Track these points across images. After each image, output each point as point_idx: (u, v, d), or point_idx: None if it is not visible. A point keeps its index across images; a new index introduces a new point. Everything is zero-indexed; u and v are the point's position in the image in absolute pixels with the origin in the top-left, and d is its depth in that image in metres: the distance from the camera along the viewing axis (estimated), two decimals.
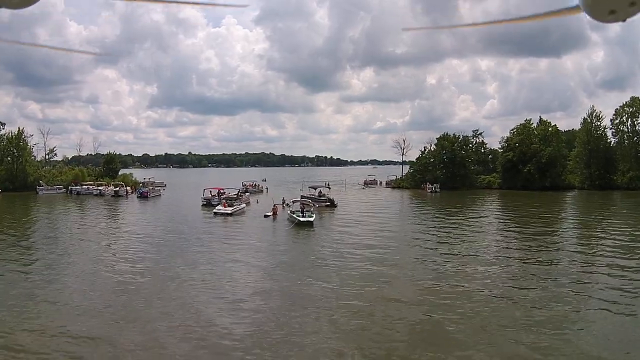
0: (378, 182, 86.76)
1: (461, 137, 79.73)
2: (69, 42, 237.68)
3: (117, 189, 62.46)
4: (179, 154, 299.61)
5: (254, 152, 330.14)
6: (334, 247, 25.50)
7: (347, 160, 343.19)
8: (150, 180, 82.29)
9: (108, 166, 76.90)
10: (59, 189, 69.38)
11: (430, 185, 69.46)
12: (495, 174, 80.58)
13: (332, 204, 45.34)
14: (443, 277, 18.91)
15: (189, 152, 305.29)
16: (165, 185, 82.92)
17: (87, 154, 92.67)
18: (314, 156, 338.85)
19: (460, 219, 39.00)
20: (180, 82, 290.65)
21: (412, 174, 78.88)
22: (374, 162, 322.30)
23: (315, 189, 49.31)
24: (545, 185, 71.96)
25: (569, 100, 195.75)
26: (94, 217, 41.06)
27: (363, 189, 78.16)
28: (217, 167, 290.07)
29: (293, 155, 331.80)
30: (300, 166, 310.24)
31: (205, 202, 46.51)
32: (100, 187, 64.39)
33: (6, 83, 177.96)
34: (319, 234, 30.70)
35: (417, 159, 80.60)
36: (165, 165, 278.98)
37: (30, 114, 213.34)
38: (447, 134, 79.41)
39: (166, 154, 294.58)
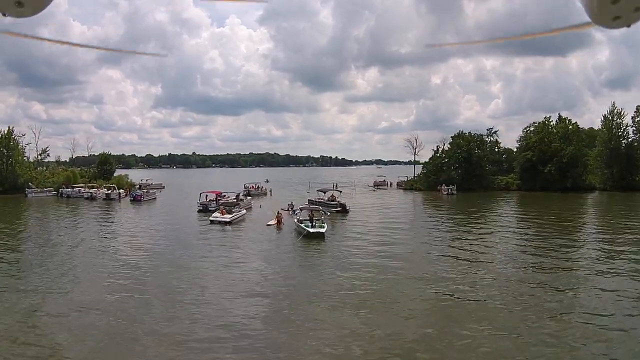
0: (388, 183, 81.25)
1: (477, 135, 74.06)
2: (73, 42, 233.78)
3: (109, 192, 57.30)
4: (183, 154, 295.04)
5: (259, 153, 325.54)
6: (351, 268, 20.21)
7: (352, 160, 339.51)
8: (148, 181, 77.54)
9: (102, 167, 71.64)
10: (49, 191, 64.39)
11: (446, 187, 63.95)
12: (512, 175, 75.08)
13: (344, 210, 39.96)
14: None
15: (193, 153, 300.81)
16: (164, 187, 77.99)
17: (82, 155, 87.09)
18: (318, 156, 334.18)
19: (490, 227, 33.75)
20: (185, 82, 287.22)
21: (425, 174, 73.23)
22: (379, 162, 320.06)
23: (324, 192, 43.88)
24: (567, 186, 66.94)
25: (573, 99, 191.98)
26: (73, 226, 35.78)
27: (373, 190, 72.58)
28: (222, 167, 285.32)
29: (298, 155, 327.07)
30: (305, 166, 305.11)
31: (201, 208, 41.23)
32: (91, 190, 59.14)
33: (10, 84, 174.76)
34: (331, 248, 25.32)
35: (430, 158, 74.98)
36: (169, 166, 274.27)
37: (34, 115, 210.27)
38: (462, 132, 73.90)
39: (170, 154, 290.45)
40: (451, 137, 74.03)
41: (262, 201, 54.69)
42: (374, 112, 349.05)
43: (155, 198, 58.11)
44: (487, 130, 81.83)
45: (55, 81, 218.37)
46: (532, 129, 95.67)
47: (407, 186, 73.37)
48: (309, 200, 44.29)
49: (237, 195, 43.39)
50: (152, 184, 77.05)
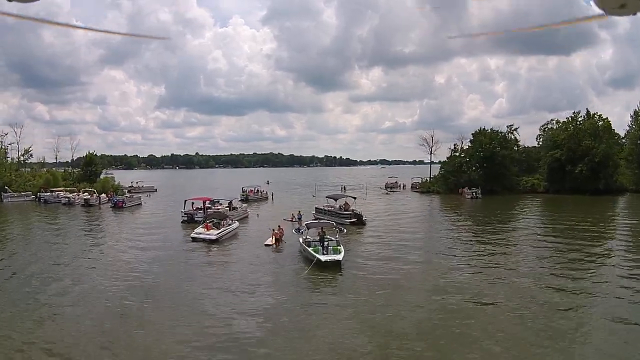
0: (401, 185, 73.23)
1: (500, 132, 65.81)
2: (75, 42, 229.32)
3: (88, 197, 49.70)
4: (186, 154, 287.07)
5: (262, 153, 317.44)
6: (384, 324, 12.52)
7: (356, 160, 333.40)
8: (139, 184, 70.08)
9: (87, 168, 63.87)
10: (27, 196, 56.93)
11: (469, 190, 55.97)
12: (537, 175, 66.96)
13: (359, 221, 32.07)
14: None
15: (196, 153, 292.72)
16: (156, 190, 70.35)
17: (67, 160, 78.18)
18: (322, 156, 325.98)
19: (536, 237, 25.94)
20: (188, 82, 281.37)
21: (443, 176, 65.00)
22: (384, 162, 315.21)
23: (335, 199, 35.73)
24: (598, 187, 59.39)
25: (577, 98, 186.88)
26: (26, 242, 28.20)
27: (387, 193, 64.12)
28: (225, 167, 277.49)
29: (302, 155, 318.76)
30: (309, 166, 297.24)
31: (186, 218, 33.53)
32: (69, 195, 51.49)
33: (12, 84, 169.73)
34: (352, 284, 17.57)
35: (448, 158, 66.80)
36: (171, 166, 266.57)
37: (37, 116, 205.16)
38: (483, 128, 65.71)
39: (172, 154, 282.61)
40: (472, 134, 65.94)
41: (262, 208, 46.91)
42: (377, 112, 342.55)
43: (140, 204, 50.40)
44: (507, 127, 73.57)
45: (58, 82, 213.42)
46: (550, 126, 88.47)
47: (424, 188, 65.12)
48: (316, 209, 36.30)
49: (230, 203, 35.50)
50: (143, 186, 69.56)
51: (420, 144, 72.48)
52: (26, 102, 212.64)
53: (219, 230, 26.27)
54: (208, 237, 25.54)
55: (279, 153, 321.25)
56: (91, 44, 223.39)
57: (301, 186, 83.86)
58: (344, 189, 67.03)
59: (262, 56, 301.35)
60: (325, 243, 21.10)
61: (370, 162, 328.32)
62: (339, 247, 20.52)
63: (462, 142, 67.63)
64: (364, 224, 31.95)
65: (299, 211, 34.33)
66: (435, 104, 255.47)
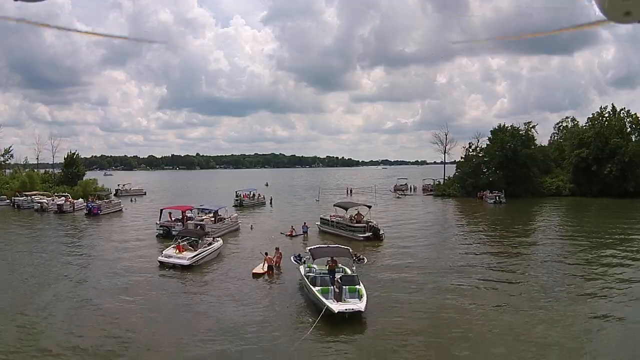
0: (411, 188, 66.48)
1: (519, 129, 58.84)
2: (76, 43, 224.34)
3: (62, 202, 43.28)
4: (187, 155, 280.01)
5: (263, 153, 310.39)
6: None
7: (358, 161, 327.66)
8: (126, 187, 63.70)
9: (68, 170, 57.32)
10: (2, 200, 50.57)
11: (491, 194, 49.33)
12: (562, 177, 60.23)
13: (376, 236, 25.42)
14: None
15: (197, 154, 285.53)
16: (145, 192, 63.85)
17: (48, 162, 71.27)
18: (325, 157, 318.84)
19: (590, 253, 19.36)
20: (190, 83, 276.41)
21: (460, 177, 58.16)
22: (386, 163, 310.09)
23: (345, 208, 28.48)
24: (628, 190, 53.62)
25: (579, 98, 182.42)
26: None
27: (398, 197, 56.93)
28: (226, 168, 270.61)
29: (304, 155, 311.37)
30: (311, 167, 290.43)
31: (162, 232, 27.00)
32: (42, 200, 45.03)
33: (14, 85, 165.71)
34: (378, 345, 11.09)
35: (463, 158, 60.00)
36: (171, 167, 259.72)
37: (39, 116, 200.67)
38: (503, 125, 58.92)
39: (173, 155, 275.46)
40: (490, 131, 59.12)
41: (258, 216, 40.25)
42: (379, 112, 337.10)
43: (120, 209, 43.88)
44: (525, 124, 66.69)
45: (59, 83, 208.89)
46: (564, 124, 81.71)
47: (438, 192, 58.18)
48: (322, 220, 29.30)
49: (215, 213, 28.80)
50: (131, 189, 63.09)
51: (433, 142, 65.52)
52: (28, 102, 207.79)
53: (194, 253, 19.68)
54: (179, 261, 19.02)
55: (280, 154, 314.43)
56: (92, 45, 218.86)
57: (303, 188, 77.28)
58: (351, 191, 60.51)
59: (263, 56, 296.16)
60: (337, 277, 14.58)
61: (372, 163, 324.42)
62: (357, 287, 13.94)
63: (479, 140, 60.91)
64: (381, 240, 25.33)
65: (305, 223, 27.82)
66: (437, 104, 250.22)
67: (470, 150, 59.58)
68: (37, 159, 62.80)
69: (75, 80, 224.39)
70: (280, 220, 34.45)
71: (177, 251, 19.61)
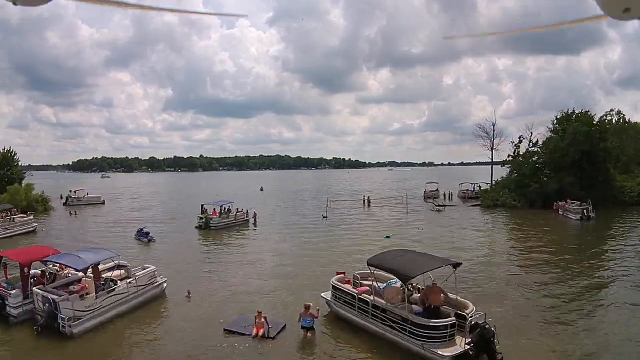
0: (445, 195, 50.43)
1: (594, 116, 42.82)
2: (80, 44, 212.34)
3: None
4: (189, 156, 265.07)
5: (268, 155, 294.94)
6: None
7: (364, 162, 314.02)
8: (77, 193, 48.62)
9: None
10: None
11: (575, 206, 33.50)
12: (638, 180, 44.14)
13: (485, 350, 9.72)
14: None
15: (201, 155, 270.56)
16: (104, 202, 48.50)
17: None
18: (331, 158, 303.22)
19: None
20: (195, 84, 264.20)
21: (517, 182, 41.80)
22: (392, 164, 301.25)
23: (404, 280, 10.33)
24: None
25: (585, 98, 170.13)
26: None
27: (438, 211, 40.11)
28: (229, 170, 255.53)
29: (310, 157, 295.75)
30: (317, 168, 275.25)
31: None
32: None
33: (18, 87, 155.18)
34: None
35: (521, 156, 43.82)
36: (173, 169, 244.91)
37: (43, 118, 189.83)
38: (573, 111, 42.83)
39: (175, 156, 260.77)
40: (555, 117, 43.03)
41: (222, 251, 23.93)
42: (385, 114, 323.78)
43: (34, 230, 28.55)
44: (606, 112, 50.07)
45: (64, 84, 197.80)
46: (609, 117, 65.43)
47: (487, 201, 41.95)
48: (334, 289, 12.41)
49: (117, 267, 12.97)
50: (85, 196, 47.83)
51: (477, 135, 49.33)
52: (32, 104, 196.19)
53: None
54: None
55: (286, 155, 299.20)
56: (96, 45, 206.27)
57: (309, 194, 61.65)
58: (369, 202, 44.75)
59: (268, 58, 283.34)
60: None
61: (378, 164, 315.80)
62: None
63: (532, 133, 44.95)
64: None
65: (307, 308, 11.45)
66: (443, 105, 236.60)
67: (530, 145, 43.74)
68: None
69: (80, 81, 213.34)
70: (258, 268, 18.92)
71: None
